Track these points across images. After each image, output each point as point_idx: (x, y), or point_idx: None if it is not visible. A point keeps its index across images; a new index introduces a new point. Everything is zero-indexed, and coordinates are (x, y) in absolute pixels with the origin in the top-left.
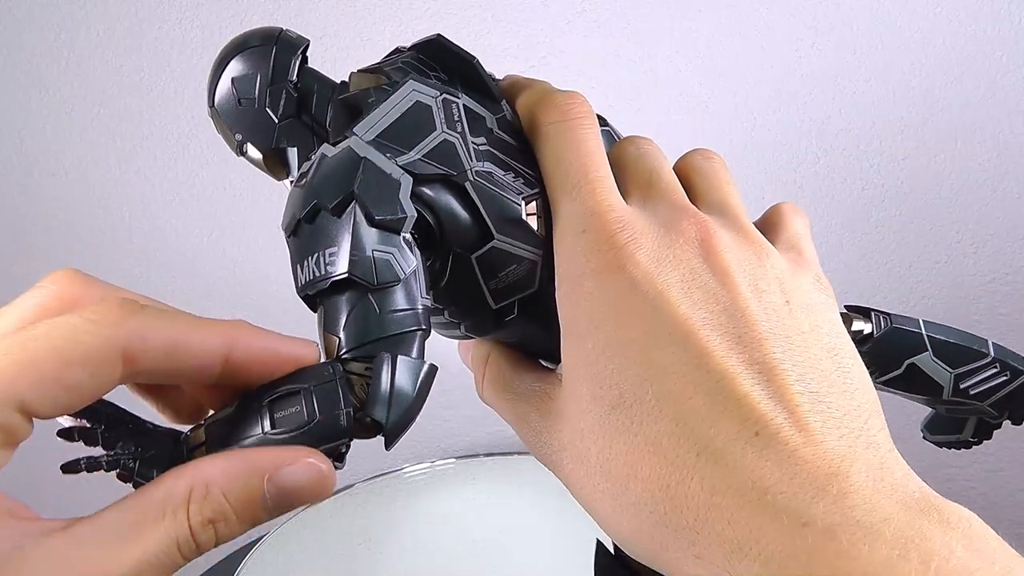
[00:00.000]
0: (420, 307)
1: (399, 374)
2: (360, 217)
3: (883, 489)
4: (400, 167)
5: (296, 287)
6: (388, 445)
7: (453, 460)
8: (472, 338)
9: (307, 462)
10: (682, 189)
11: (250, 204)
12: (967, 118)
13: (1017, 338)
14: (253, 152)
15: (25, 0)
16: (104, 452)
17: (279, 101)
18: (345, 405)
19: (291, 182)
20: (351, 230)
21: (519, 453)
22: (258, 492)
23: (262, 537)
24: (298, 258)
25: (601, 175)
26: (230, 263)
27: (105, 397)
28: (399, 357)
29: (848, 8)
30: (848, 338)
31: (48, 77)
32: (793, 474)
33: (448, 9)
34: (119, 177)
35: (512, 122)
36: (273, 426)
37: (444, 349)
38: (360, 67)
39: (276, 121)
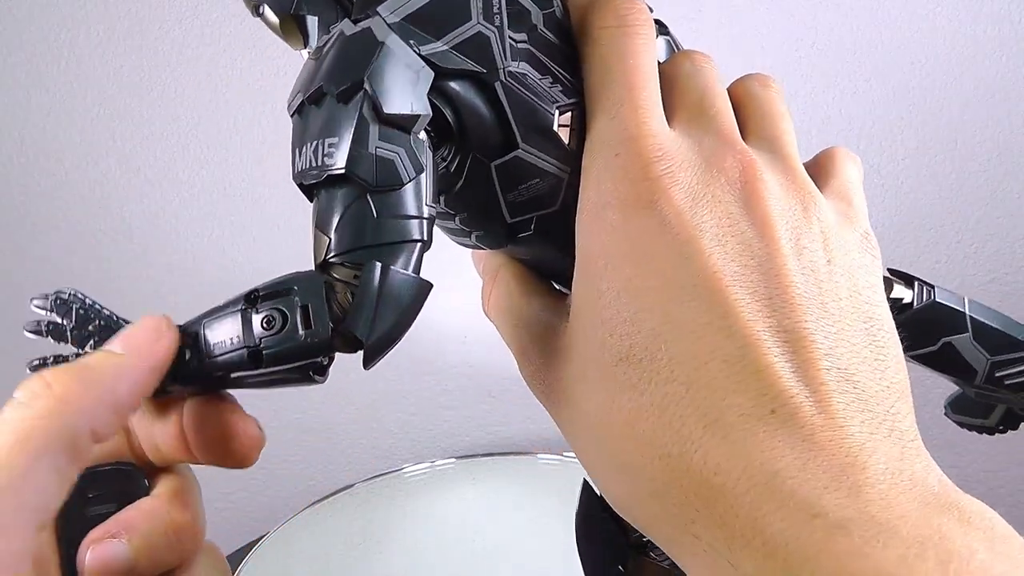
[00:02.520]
0: (423, 216)
1: (388, 289)
2: (367, 109)
3: (901, 483)
4: (423, 58)
5: (292, 173)
6: (366, 364)
7: (453, 460)
8: (482, 249)
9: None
10: (733, 118)
11: (250, 204)
12: (967, 118)
13: None
14: (270, 15)
15: (25, 0)
16: (74, 351)
17: None
18: (328, 317)
19: (308, 53)
20: (355, 122)
21: (519, 453)
22: None
23: (262, 537)
24: (297, 142)
25: (647, 94)
26: (230, 263)
27: (79, 291)
28: (391, 269)
29: (848, 8)
30: (887, 308)
31: (48, 77)
32: (807, 460)
33: None
34: (119, 177)
35: (562, 21)
36: (255, 332)
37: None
38: None
39: None
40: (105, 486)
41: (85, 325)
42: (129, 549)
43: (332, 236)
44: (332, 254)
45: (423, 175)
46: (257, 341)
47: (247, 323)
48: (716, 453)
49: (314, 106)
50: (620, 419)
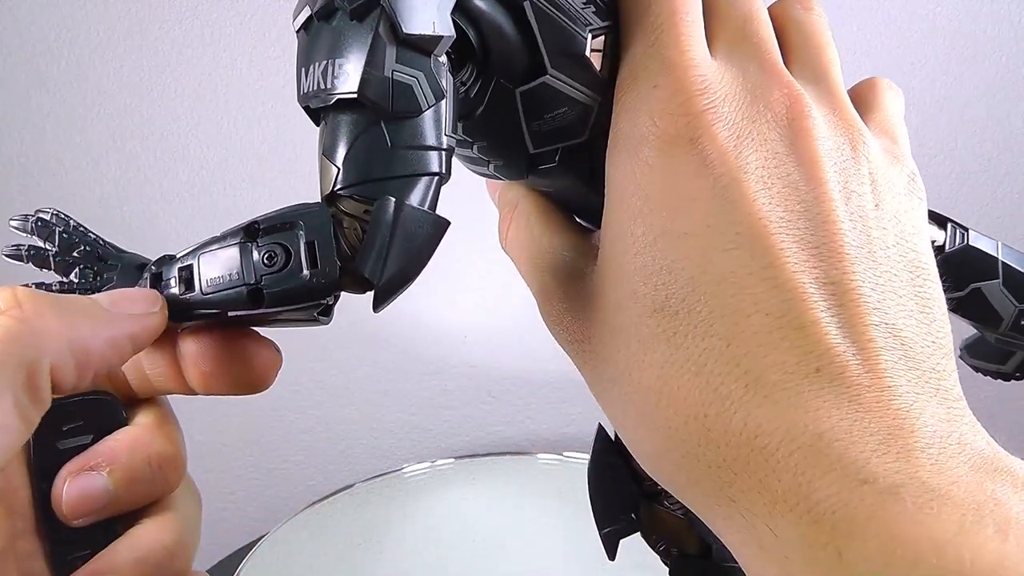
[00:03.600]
0: (442, 146)
1: (401, 226)
2: (384, 28)
3: (950, 446)
4: None
5: (297, 94)
6: (376, 307)
7: (453, 460)
8: (500, 180)
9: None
10: (777, 47)
11: (250, 204)
12: (967, 118)
13: None
14: None
15: (25, 0)
16: (57, 280)
17: None
18: (335, 256)
19: None
20: (370, 42)
21: (519, 453)
22: None
23: (262, 537)
24: (303, 61)
25: (690, 20)
26: None
27: (62, 211)
28: (405, 205)
29: (848, 8)
30: (932, 256)
31: (48, 77)
32: (854, 421)
33: None
34: (119, 177)
35: None
36: (255, 269)
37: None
38: None
39: None
40: (80, 417)
41: (69, 251)
42: (109, 482)
43: (340, 166)
44: (340, 186)
45: (443, 102)
46: (257, 279)
47: (247, 258)
48: (757, 414)
49: (324, 22)
50: (652, 375)
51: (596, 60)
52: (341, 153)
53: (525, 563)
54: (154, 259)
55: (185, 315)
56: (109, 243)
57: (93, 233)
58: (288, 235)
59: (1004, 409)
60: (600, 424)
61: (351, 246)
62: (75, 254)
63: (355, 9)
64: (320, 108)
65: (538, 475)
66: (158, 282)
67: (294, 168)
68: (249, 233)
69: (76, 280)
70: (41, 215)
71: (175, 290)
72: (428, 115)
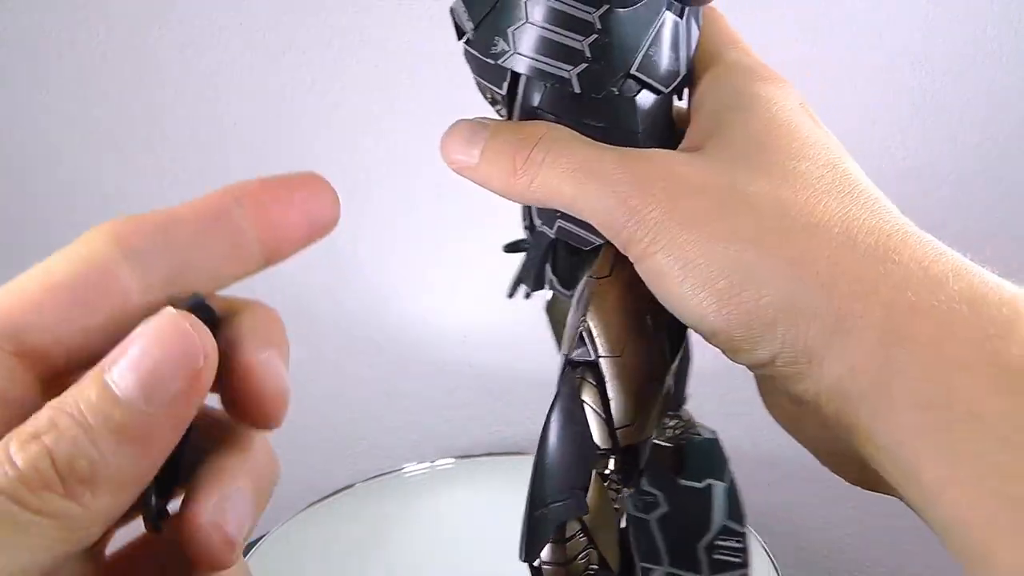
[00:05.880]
0: None
1: None
2: None
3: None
4: None
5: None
6: None
7: (453, 460)
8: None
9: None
10: None
11: None
12: (967, 118)
13: None
14: None
15: (25, 0)
16: None
17: None
18: None
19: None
20: None
21: (519, 453)
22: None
23: (262, 537)
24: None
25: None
26: None
27: None
28: None
29: (848, 8)
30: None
31: (48, 77)
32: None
33: None
34: (119, 177)
35: None
36: None
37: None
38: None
39: None
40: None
41: None
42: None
43: None
44: None
45: None
46: None
47: None
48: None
49: None
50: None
51: None
52: None
53: (525, 563)
54: None
55: None
56: None
57: None
58: None
59: None
60: (565, 361)
61: None
62: None
63: None
64: None
65: None
66: None
67: (295, 168)
68: None
69: None
70: None
71: None
72: None
